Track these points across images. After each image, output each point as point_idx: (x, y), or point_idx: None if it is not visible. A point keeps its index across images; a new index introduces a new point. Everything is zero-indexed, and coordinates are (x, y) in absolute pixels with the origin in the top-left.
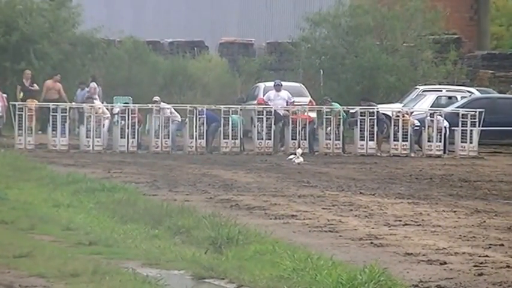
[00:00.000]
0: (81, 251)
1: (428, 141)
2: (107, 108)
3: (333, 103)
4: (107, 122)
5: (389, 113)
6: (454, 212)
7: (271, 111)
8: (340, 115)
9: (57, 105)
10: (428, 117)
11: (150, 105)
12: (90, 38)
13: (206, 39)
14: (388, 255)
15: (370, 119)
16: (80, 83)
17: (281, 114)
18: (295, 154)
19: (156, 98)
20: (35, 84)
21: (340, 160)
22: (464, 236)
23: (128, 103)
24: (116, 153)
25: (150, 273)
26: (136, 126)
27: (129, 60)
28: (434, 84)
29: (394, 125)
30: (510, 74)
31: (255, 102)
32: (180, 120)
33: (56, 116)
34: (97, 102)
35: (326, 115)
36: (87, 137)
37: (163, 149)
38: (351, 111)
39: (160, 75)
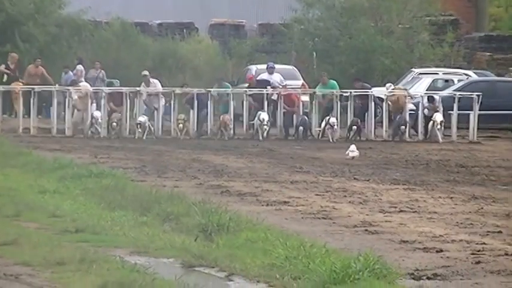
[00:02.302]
0: (67, 239)
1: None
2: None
3: (331, 81)
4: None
5: (384, 97)
6: (451, 198)
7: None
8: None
9: (43, 89)
10: (426, 102)
11: (138, 88)
12: (77, 19)
13: (196, 20)
14: (383, 243)
15: (362, 102)
16: (64, 67)
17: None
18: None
19: (146, 72)
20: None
21: (333, 145)
22: (462, 223)
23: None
24: (104, 138)
25: (138, 261)
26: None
27: (117, 42)
28: (431, 67)
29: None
30: (508, 56)
31: (246, 85)
32: (166, 102)
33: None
34: (83, 84)
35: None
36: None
37: (147, 136)
38: (344, 94)
39: (149, 57)
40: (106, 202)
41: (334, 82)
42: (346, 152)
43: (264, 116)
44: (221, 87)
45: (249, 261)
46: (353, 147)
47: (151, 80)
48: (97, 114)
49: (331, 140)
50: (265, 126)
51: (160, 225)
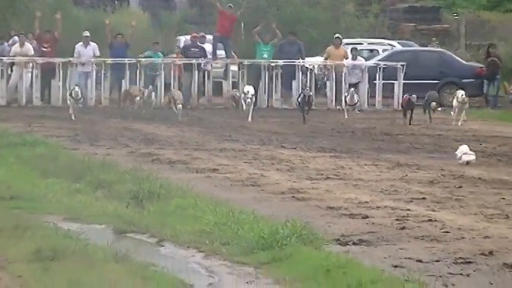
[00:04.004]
0: (2, 205)
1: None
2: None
3: (269, 44)
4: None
5: (311, 66)
6: (376, 165)
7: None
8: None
9: None
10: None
11: (70, 59)
12: None
13: None
14: (310, 209)
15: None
16: None
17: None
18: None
19: (87, 33)
20: None
21: (262, 114)
22: (386, 190)
23: None
24: (37, 107)
25: (71, 227)
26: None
27: (51, 14)
28: (356, 38)
29: (316, 79)
30: (432, 27)
31: (175, 55)
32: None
33: None
34: (26, 48)
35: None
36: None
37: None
38: (272, 64)
39: (81, 29)
40: (40, 170)
41: (273, 46)
42: (458, 156)
43: (248, 88)
44: (156, 54)
45: (180, 228)
46: (465, 147)
47: (91, 42)
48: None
49: (245, 108)
50: (248, 100)
51: (93, 193)
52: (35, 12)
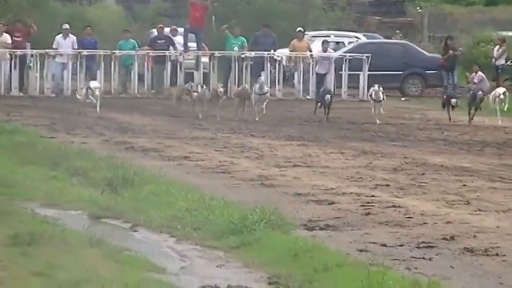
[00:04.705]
0: None
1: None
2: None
3: (240, 37)
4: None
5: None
6: (342, 153)
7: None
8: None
9: None
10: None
11: (48, 51)
12: None
13: None
14: (279, 196)
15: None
16: None
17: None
18: None
19: (66, 26)
20: None
21: (232, 103)
22: (352, 177)
23: None
24: (16, 97)
25: (48, 213)
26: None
27: (28, 7)
28: (323, 30)
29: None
30: (396, 20)
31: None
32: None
33: None
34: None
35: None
36: None
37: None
38: (242, 56)
39: (58, 21)
40: (18, 157)
41: (243, 38)
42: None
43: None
44: (128, 42)
45: (153, 213)
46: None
47: (70, 35)
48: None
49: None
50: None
51: (69, 179)
52: None
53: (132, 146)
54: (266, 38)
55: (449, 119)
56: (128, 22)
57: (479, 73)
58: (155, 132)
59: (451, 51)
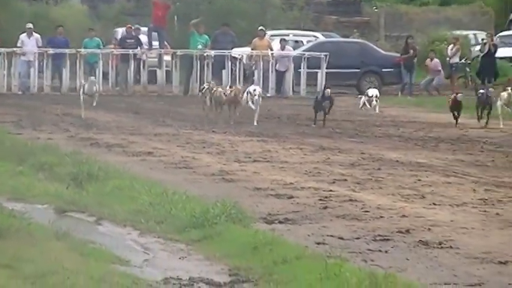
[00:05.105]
0: None
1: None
2: None
3: (203, 35)
4: None
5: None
6: (301, 149)
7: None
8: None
9: None
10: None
11: (14, 49)
12: None
13: None
14: (239, 190)
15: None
16: None
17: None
18: None
19: (30, 25)
20: None
21: (194, 101)
22: (310, 172)
23: None
24: None
25: (15, 207)
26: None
27: None
28: (282, 29)
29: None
30: (353, 19)
31: (112, 46)
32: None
33: None
34: None
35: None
36: None
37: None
38: (205, 54)
39: (24, 20)
40: None
41: (206, 36)
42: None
43: (255, 87)
44: (92, 40)
45: (117, 207)
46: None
47: (34, 34)
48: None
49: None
50: (256, 98)
51: (36, 175)
52: None
53: (97, 142)
54: (225, 37)
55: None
56: (93, 21)
57: (435, 60)
58: (119, 128)
59: (411, 51)
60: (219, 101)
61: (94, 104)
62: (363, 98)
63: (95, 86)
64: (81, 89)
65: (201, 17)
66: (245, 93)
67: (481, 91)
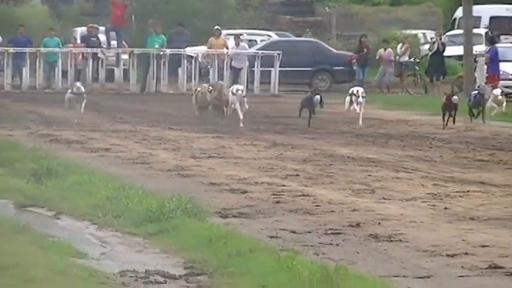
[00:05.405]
0: None
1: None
2: None
3: (160, 35)
4: None
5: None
6: (255, 145)
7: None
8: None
9: None
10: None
11: None
12: None
13: None
14: (195, 185)
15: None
16: None
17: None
18: None
19: None
20: None
21: (150, 98)
22: (264, 167)
23: None
24: None
25: None
26: None
27: None
28: (237, 29)
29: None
30: (306, 19)
31: (71, 45)
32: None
33: None
34: None
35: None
36: None
37: None
38: (161, 53)
39: None
40: None
41: (163, 36)
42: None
43: (238, 87)
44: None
45: (76, 202)
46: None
47: None
48: None
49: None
50: (242, 99)
51: None
52: None
53: (57, 138)
54: (180, 36)
55: (448, 123)
56: (53, 21)
57: (389, 49)
58: (79, 125)
59: (365, 49)
60: (205, 100)
61: (82, 109)
62: (348, 98)
63: (83, 90)
64: (67, 93)
65: (155, 19)
66: (230, 94)
67: (475, 92)
